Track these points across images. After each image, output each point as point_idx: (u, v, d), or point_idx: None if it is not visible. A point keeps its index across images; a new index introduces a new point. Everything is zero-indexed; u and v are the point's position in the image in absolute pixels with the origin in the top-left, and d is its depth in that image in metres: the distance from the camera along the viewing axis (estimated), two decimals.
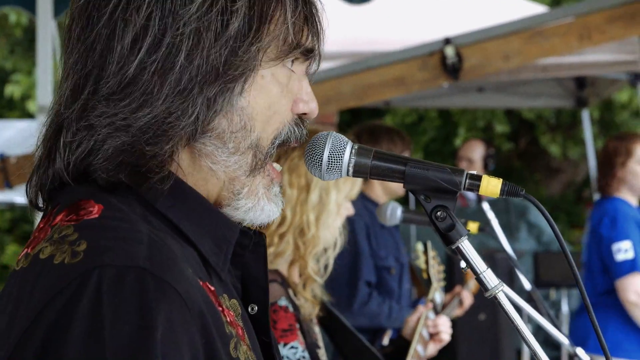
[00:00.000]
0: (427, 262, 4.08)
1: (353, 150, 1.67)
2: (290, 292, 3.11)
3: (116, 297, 1.34)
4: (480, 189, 1.63)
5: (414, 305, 5.67)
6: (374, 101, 7.61)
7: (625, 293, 5.74)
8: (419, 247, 4.13)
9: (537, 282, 8.29)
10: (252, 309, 1.69)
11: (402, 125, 15.16)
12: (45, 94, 5.53)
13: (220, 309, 1.51)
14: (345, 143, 1.68)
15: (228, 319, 1.52)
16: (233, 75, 1.52)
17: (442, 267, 4.22)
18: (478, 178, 1.65)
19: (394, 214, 3.62)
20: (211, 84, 1.51)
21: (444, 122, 16.00)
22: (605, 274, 5.89)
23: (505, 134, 15.87)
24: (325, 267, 3.22)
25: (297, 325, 3.03)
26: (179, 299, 1.38)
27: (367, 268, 5.35)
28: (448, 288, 4.51)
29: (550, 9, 10.29)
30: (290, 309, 3.02)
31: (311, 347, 3.05)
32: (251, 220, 1.64)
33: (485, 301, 4.78)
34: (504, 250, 5.37)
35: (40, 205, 1.61)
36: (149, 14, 1.49)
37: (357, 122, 10.92)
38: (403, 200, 9.59)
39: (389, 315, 5.27)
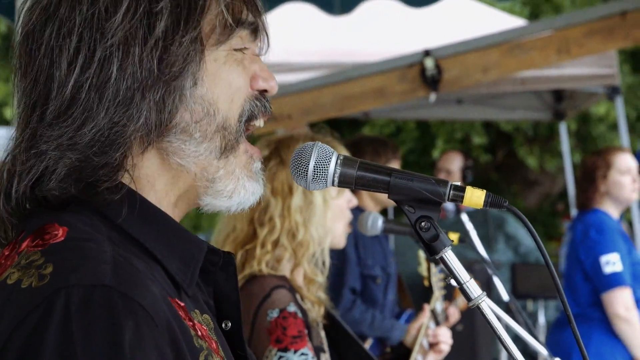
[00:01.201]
0: (428, 269, 4.05)
1: (338, 161, 1.69)
2: (298, 297, 3.13)
3: (85, 316, 1.35)
4: (464, 200, 1.65)
5: (398, 316, 5.69)
6: (353, 112, 7.63)
7: (614, 307, 5.70)
8: (421, 254, 4.12)
9: (514, 293, 8.31)
10: (226, 325, 1.71)
11: (381, 136, 15.18)
12: None
13: (191, 323, 1.53)
14: (330, 153, 1.69)
15: (199, 333, 1.53)
16: (172, 72, 1.54)
17: (443, 276, 4.19)
18: (462, 189, 1.66)
19: (375, 224, 3.64)
20: (152, 87, 1.53)
21: (422, 133, 16.06)
22: (587, 286, 5.87)
23: (482, 146, 15.95)
24: (323, 263, 3.22)
25: (306, 331, 3.03)
26: (146, 315, 1.39)
27: (352, 275, 5.36)
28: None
29: (529, 22, 10.37)
30: (299, 314, 3.03)
31: (316, 352, 3.06)
32: (238, 204, 1.65)
33: (463, 313, 4.80)
34: (482, 261, 5.41)
35: (3, 240, 1.62)
36: (79, 35, 1.52)
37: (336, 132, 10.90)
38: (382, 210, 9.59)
39: (371, 323, 5.27)
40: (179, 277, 1.58)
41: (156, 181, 1.60)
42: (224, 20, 1.60)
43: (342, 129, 13.26)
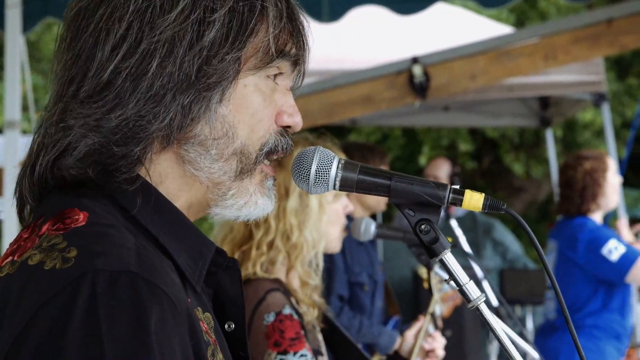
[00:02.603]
0: (428, 272, 4.02)
1: (340, 165, 1.71)
2: (293, 300, 3.14)
3: (111, 300, 1.37)
4: (463, 203, 1.67)
5: (385, 323, 5.70)
6: (341, 119, 7.65)
7: None
8: None
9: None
10: (229, 326, 1.74)
11: (368, 142, 15.21)
12: (13, 109, 5.50)
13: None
14: (332, 158, 1.72)
15: (204, 329, 1.56)
16: (207, 83, 1.57)
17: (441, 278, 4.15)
18: (461, 192, 1.69)
19: (368, 229, 3.65)
20: (184, 91, 1.56)
21: (408, 140, 16.10)
22: (570, 295, 5.89)
23: (468, 153, 16.00)
24: (317, 266, 3.24)
25: (303, 332, 3.05)
26: (169, 301, 1.43)
27: (340, 282, 5.36)
28: (414, 310, 4.47)
29: (516, 29, 10.42)
30: (295, 316, 3.05)
31: (314, 355, 3.07)
32: (246, 215, 1.69)
33: (451, 318, 4.81)
34: (470, 267, 5.43)
35: (25, 218, 1.64)
36: (129, 23, 1.56)
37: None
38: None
39: (359, 329, 5.28)
40: (188, 273, 1.60)
41: (169, 181, 1.62)
42: (268, 48, 1.62)
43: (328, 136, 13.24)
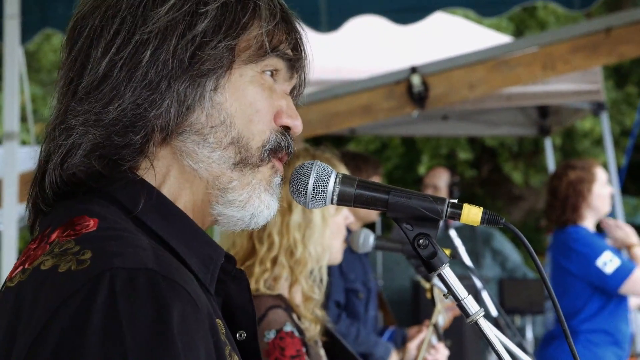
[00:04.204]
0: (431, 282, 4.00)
1: (337, 179, 1.71)
2: (294, 316, 3.12)
3: (131, 296, 1.36)
4: (461, 218, 1.67)
5: (381, 333, 5.68)
6: (340, 129, 7.65)
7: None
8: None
9: (501, 308, 8.30)
10: (241, 335, 1.73)
11: (366, 152, 15.23)
12: (11, 120, 5.49)
13: None
14: (329, 172, 1.71)
15: (221, 330, 1.55)
16: (200, 69, 1.58)
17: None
18: (459, 207, 1.68)
19: (367, 241, 3.64)
20: (179, 77, 1.58)
21: (407, 149, 16.11)
22: (565, 302, 5.90)
23: (468, 161, 16.01)
24: (321, 280, 3.23)
25: (304, 349, 3.03)
26: (190, 298, 1.42)
27: (336, 288, 5.35)
28: (414, 320, 4.45)
29: (514, 38, 10.43)
30: (296, 333, 3.03)
31: None
32: (252, 215, 1.66)
33: (451, 327, 4.80)
34: (469, 277, 5.42)
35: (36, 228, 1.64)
36: (122, 19, 1.59)
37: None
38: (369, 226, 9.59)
39: (356, 338, 5.26)
40: (201, 276, 1.59)
41: (171, 180, 1.62)
42: (261, 42, 1.64)
43: (327, 145, 13.25)
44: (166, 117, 1.57)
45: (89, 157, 1.56)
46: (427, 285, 4.00)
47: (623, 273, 5.72)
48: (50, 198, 1.61)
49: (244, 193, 1.64)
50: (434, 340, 3.90)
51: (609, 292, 5.82)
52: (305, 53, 1.74)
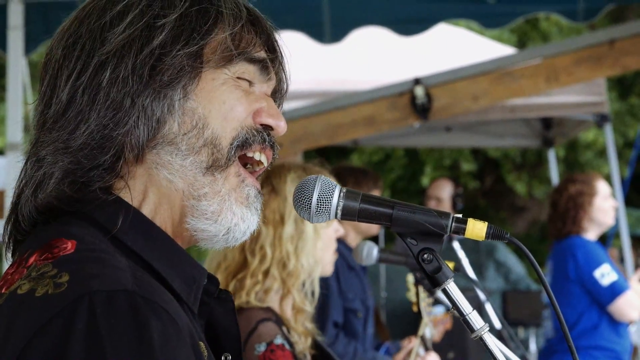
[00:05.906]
0: (417, 295, 4.01)
1: (341, 194, 1.70)
2: (284, 329, 3.10)
3: (111, 318, 1.35)
4: (466, 233, 1.65)
5: (377, 348, 5.67)
6: (344, 140, 7.64)
7: (626, 314, 5.82)
8: (410, 279, 4.06)
9: (505, 320, 8.28)
10: (226, 358, 1.71)
11: (369, 163, 15.24)
12: (15, 130, 5.50)
13: None
14: (333, 187, 1.70)
15: (203, 352, 1.54)
16: (162, 80, 1.58)
17: (431, 301, 4.12)
18: (464, 222, 1.67)
19: (370, 254, 3.63)
20: (141, 92, 1.57)
21: (410, 160, 16.10)
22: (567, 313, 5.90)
23: (471, 173, 15.99)
24: (312, 293, 3.21)
25: None
26: (170, 317, 1.40)
27: (335, 309, 5.33)
28: (416, 333, 4.43)
29: (518, 50, 10.43)
30: (287, 346, 3.01)
31: None
32: (228, 230, 1.64)
33: (454, 340, 4.79)
34: (473, 289, 5.40)
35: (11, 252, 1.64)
36: (82, 45, 1.60)
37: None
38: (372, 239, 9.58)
39: (354, 356, 5.25)
40: (184, 296, 1.58)
41: (149, 197, 1.61)
42: (225, 46, 1.64)
43: (330, 156, 13.28)
44: (135, 133, 1.57)
45: (61, 185, 1.56)
46: (413, 299, 4.00)
47: (618, 289, 5.81)
48: (27, 228, 1.61)
49: (214, 203, 1.62)
50: (422, 351, 3.89)
51: (601, 303, 5.87)
52: (280, 52, 1.74)
